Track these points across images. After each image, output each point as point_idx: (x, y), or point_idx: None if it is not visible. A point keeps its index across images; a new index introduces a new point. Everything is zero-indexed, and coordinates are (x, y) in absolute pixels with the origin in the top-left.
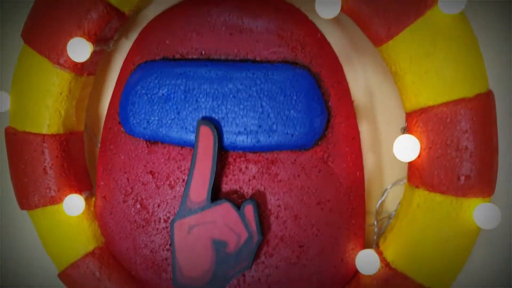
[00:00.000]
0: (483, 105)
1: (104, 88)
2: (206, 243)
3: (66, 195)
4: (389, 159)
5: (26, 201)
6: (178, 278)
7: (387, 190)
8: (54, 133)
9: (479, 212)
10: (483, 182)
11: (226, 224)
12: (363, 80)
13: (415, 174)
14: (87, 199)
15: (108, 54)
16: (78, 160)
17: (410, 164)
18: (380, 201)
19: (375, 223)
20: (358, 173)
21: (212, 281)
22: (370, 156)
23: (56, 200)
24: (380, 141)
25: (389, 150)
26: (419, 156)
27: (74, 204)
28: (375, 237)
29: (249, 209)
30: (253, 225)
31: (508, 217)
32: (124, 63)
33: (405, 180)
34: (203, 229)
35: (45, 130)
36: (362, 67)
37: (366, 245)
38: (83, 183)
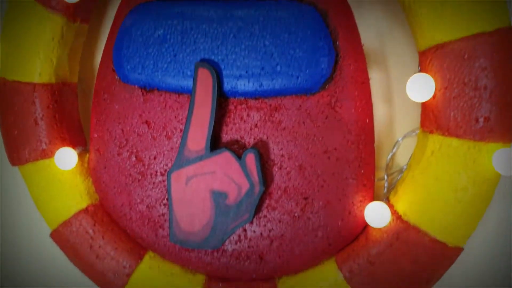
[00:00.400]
0: (504, 40)
1: (98, 42)
2: (204, 194)
3: (58, 149)
4: (401, 110)
5: (16, 155)
6: (175, 233)
7: (398, 142)
8: (45, 82)
9: (499, 158)
10: (503, 125)
11: (226, 174)
12: (373, 24)
13: (429, 117)
14: (80, 155)
15: (103, 5)
16: (71, 113)
17: (424, 107)
18: (391, 154)
19: (385, 177)
20: (367, 120)
21: (211, 235)
22: (380, 107)
23: (47, 154)
24: (391, 90)
25: (401, 100)
26: (433, 97)
27: (66, 157)
28: (385, 190)
29: (250, 158)
30: (255, 175)
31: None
32: (118, 8)
33: (418, 131)
34: (201, 180)
35: (36, 79)
36: (371, 9)
37: (375, 200)
38: (76, 137)
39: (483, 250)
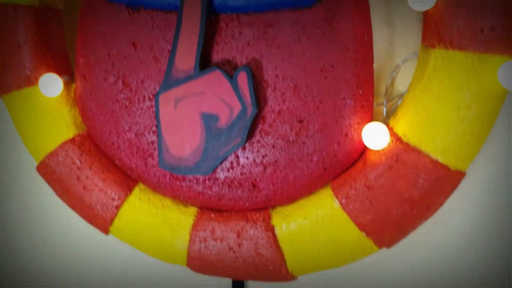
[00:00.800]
0: None
1: None
2: (194, 117)
3: (42, 75)
4: (401, 32)
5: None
6: (165, 159)
7: (398, 66)
8: (28, 4)
9: (505, 72)
10: (510, 36)
11: (217, 95)
12: None
13: (431, 29)
14: (66, 85)
15: None
16: (56, 40)
17: (425, 18)
18: (390, 78)
19: (385, 102)
20: (366, 37)
21: (202, 160)
22: (380, 29)
23: (31, 81)
24: (391, 10)
25: (401, 21)
26: (435, 6)
27: (51, 83)
28: (384, 114)
29: (242, 77)
30: (247, 96)
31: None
32: None
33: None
34: (191, 101)
35: None
36: None
37: None
38: (61, 65)
39: (486, 177)
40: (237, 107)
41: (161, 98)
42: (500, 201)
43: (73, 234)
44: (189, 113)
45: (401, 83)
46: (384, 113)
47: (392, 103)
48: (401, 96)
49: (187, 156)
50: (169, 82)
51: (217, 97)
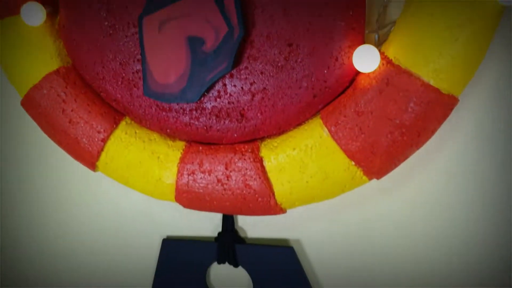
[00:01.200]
0: None
1: None
2: (179, 41)
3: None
4: None
5: None
6: (150, 86)
7: None
8: None
9: None
10: None
11: (203, 16)
12: None
13: None
14: (50, 16)
15: None
16: None
17: None
18: (383, 4)
19: (377, 27)
20: None
21: (188, 86)
22: None
23: (13, 10)
24: None
25: None
26: None
27: (33, 10)
28: (376, 37)
29: None
30: (234, 17)
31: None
32: None
33: None
34: (176, 24)
35: None
36: None
37: None
38: None
39: (481, 106)
40: (224, 29)
41: (145, 20)
42: (496, 130)
43: (61, 173)
44: (174, 37)
45: (394, 13)
46: (376, 39)
47: (385, 31)
48: (394, 23)
49: (173, 83)
50: (153, 3)
51: (202, 19)
